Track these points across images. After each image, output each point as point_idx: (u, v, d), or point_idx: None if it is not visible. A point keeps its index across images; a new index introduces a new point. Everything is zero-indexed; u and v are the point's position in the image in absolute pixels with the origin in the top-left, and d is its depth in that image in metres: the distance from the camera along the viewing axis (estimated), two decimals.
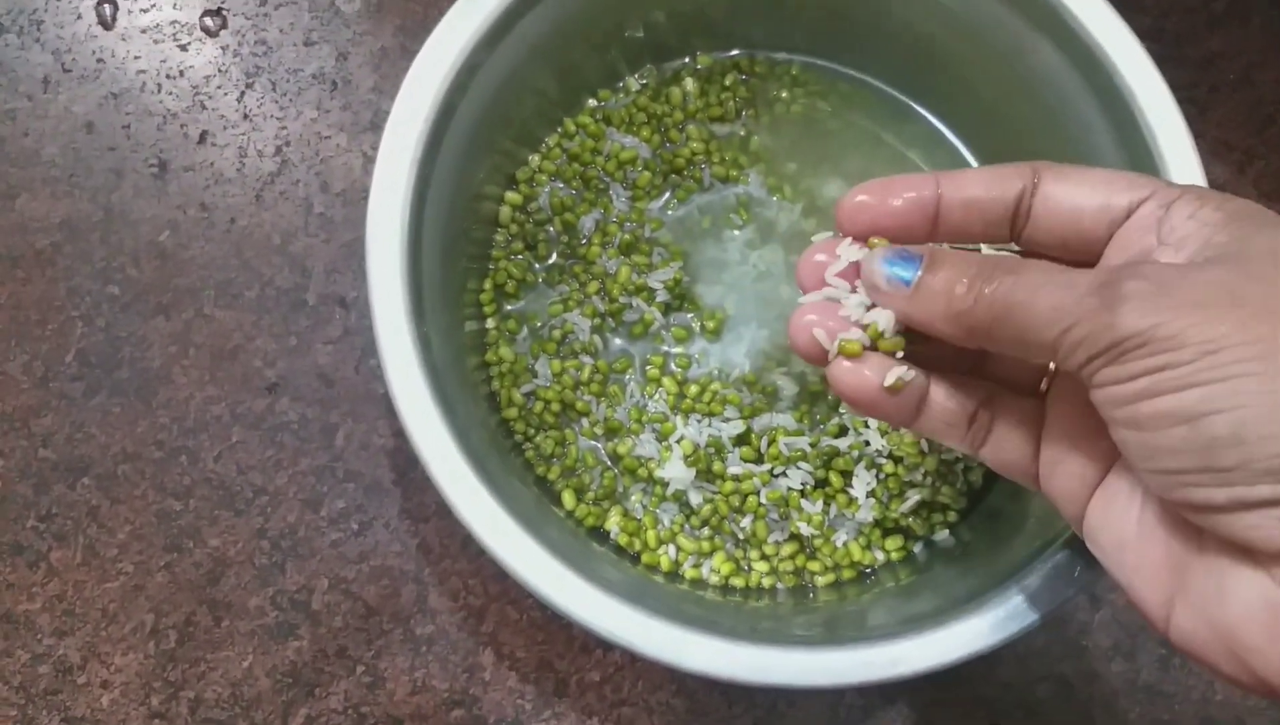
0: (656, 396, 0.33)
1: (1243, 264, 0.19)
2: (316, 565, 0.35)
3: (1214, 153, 0.39)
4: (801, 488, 0.31)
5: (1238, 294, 0.18)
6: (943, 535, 0.32)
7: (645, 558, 0.31)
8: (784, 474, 0.31)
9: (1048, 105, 0.31)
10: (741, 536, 0.32)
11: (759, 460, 0.32)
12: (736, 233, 0.35)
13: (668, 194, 0.35)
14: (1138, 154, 0.29)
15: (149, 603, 0.34)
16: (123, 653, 0.34)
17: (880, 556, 0.31)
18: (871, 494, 0.31)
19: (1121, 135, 0.29)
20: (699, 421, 0.33)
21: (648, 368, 0.33)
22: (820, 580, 0.31)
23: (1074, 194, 0.22)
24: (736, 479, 0.32)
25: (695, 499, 0.32)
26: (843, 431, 0.32)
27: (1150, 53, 0.29)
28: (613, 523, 0.32)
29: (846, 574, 0.31)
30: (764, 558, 0.32)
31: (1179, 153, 0.28)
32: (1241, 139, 0.39)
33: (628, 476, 0.32)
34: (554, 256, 0.34)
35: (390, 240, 0.28)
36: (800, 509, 0.31)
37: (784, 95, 0.36)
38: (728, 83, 0.36)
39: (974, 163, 0.36)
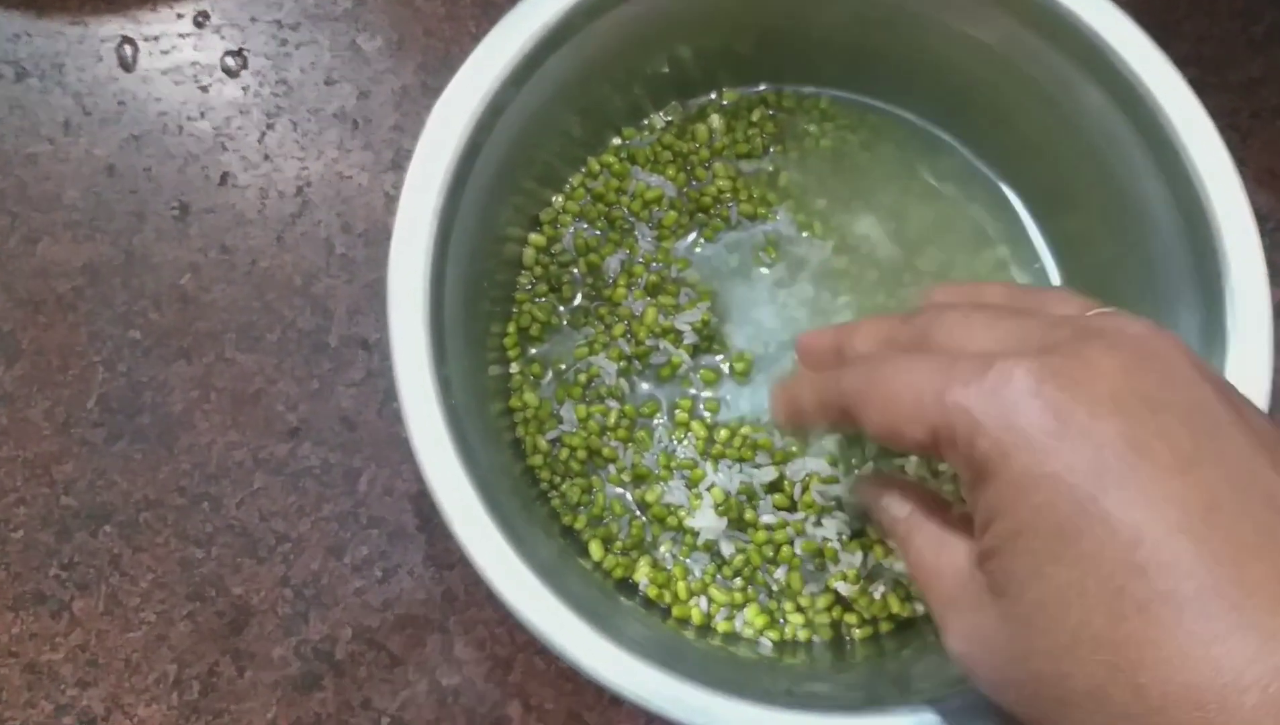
0: (685, 441, 0.32)
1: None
2: (340, 614, 0.34)
3: (1258, 181, 0.38)
4: (838, 537, 0.30)
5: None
6: None
7: (676, 610, 0.30)
8: (819, 523, 0.31)
9: (1088, 139, 0.30)
10: (775, 588, 0.31)
11: (792, 508, 0.31)
12: (765, 271, 0.34)
13: (695, 233, 0.34)
14: (1180, 187, 0.28)
15: (172, 653, 0.34)
16: (146, 703, 0.34)
17: (920, 609, 0.30)
18: None
19: (1163, 168, 0.29)
20: (729, 467, 0.32)
21: (676, 412, 0.33)
22: (858, 634, 0.30)
23: None
24: (769, 528, 0.31)
25: (727, 549, 0.31)
26: None
27: (1189, 79, 0.28)
28: (642, 574, 0.31)
29: (884, 627, 0.30)
30: (799, 609, 0.31)
31: (1223, 185, 0.27)
32: None
33: (656, 525, 0.32)
34: (579, 298, 0.33)
35: (412, 282, 0.27)
36: (837, 561, 0.30)
37: (812, 129, 0.35)
38: (754, 118, 0.35)
39: (1011, 197, 0.35)
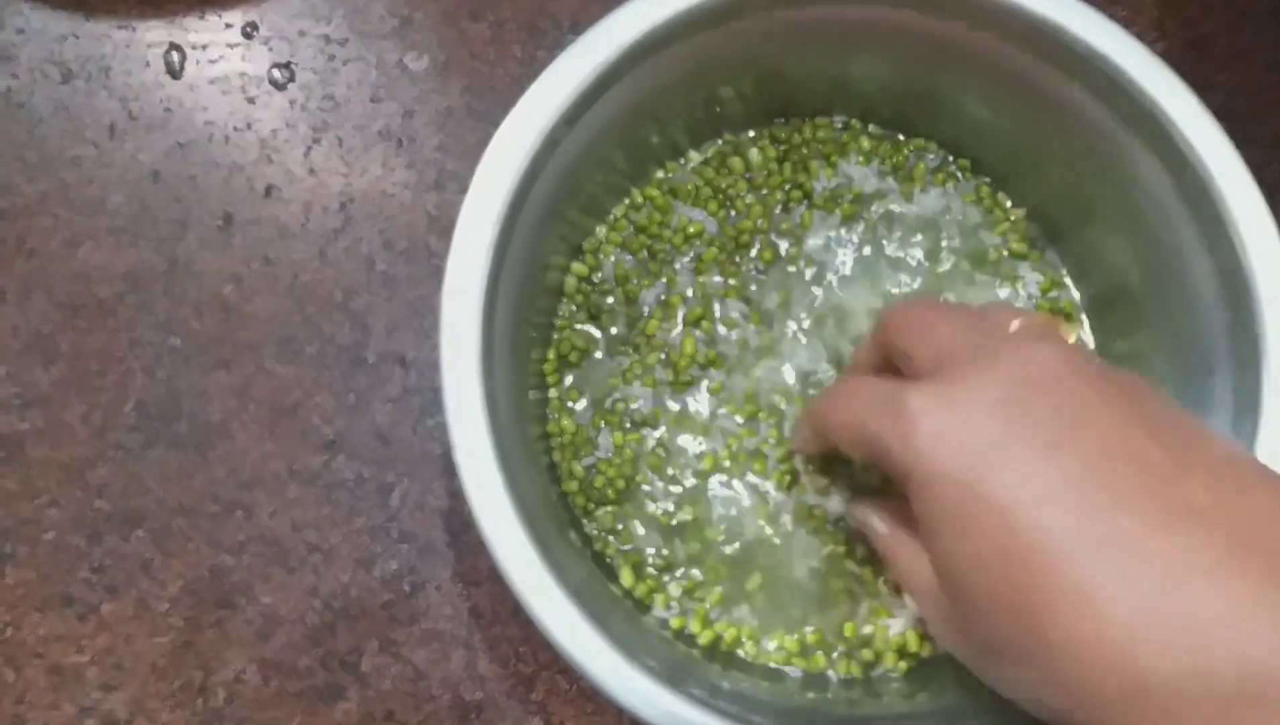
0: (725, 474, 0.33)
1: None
2: (367, 627, 0.34)
3: None
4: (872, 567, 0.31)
5: None
6: None
7: (704, 638, 0.31)
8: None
9: (1128, 196, 0.31)
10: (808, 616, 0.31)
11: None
12: (804, 314, 0.34)
13: (735, 266, 0.35)
14: (1219, 247, 0.29)
15: (198, 659, 0.34)
16: (170, 709, 0.34)
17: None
18: None
19: (1204, 229, 0.29)
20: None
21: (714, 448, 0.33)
22: (886, 667, 0.31)
23: None
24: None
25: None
26: None
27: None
28: (669, 603, 0.31)
29: (902, 666, 0.31)
30: (825, 638, 0.31)
31: (1264, 249, 0.28)
32: None
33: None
34: (616, 327, 0.34)
35: (467, 312, 0.28)
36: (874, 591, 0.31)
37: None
38: (797, 153, 0.36)
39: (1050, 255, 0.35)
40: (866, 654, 0.31)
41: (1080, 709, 0.20)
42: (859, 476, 0.32)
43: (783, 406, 0.33)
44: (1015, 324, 0.25)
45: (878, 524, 0.27)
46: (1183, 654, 0.18)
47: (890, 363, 0.27)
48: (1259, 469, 0.21)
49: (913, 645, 0.31)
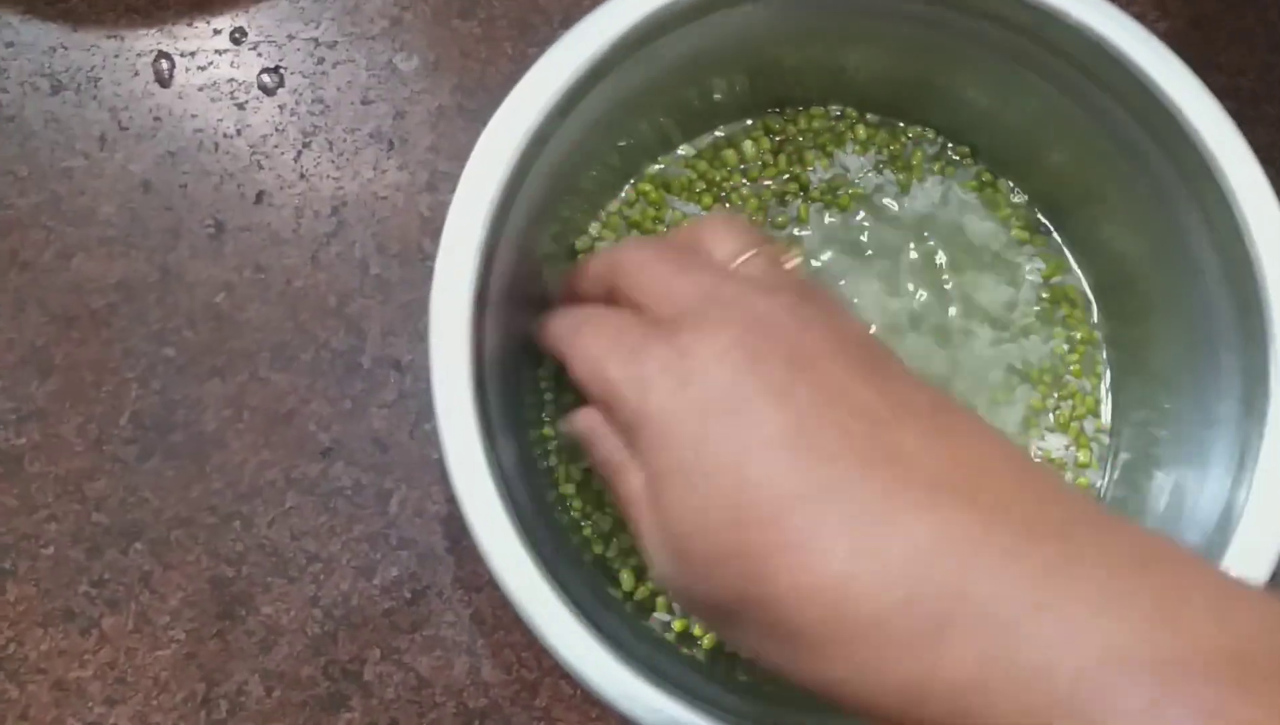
0: None
1: None
2: (369, 635, 0.34)
3: None
4: None
5: None
6: None
7: (706, 642, 0.30)
8: None
9: (1132, 179, 0.30)
10: None
11: None
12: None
13: None
14: (1224, 230, 0.28)
15: (201, 671, 0.34)
16: (174, 722, 0.34)
17: None
18: None
19: (1206, 211, 0.28)
20: None
21: None
22: None
23: None
24: None
25: None
26: None
27: (1227, 111, 0.28)
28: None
29: None
30: None
31: (1269, 230, 0.27)
32: None
33: None
34: None
35: (456, 317, 0.27)
36: None
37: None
38: (793, 144, 0.35)
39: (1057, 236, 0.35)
40: None
41: (800, 658, 0.19)
42: None
43: None
44: (740, 259, 0.25)
45: (599, 437, 0.25)
46: (888, 588, 0.18)
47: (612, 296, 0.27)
48: (968, 419, 0.22)
49: None
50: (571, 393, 0.33)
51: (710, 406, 0.21)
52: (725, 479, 0.20)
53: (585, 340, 0.25)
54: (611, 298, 0.27)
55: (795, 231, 0.34)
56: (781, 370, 0.21)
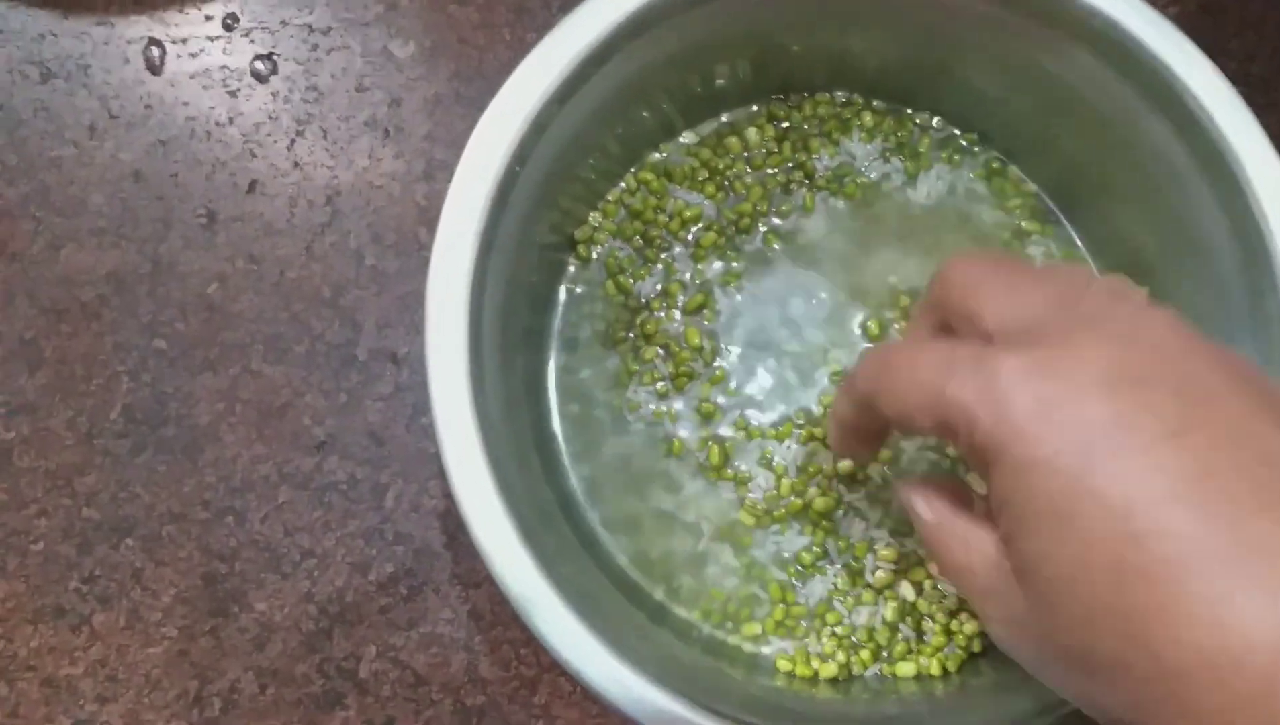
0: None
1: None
2: (364, 632, 0.34)
3: None
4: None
5: None
6: None
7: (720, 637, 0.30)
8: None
9: (1143, 164, 0.30)
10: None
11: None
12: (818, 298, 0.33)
13: (733, 250, 0.33)
14: (1238, 215, 0.27)
15: (193, 669, 0.33)
16: (166, 720, 0.33)
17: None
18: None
19: (1220, 196, 0.28)
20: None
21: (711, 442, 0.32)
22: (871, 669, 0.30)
23: None
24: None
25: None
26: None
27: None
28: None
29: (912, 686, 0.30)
30: (835, 637, 0.30)
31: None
32: None
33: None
34: (614, 321, 0.33)
35: (452, 311, 0.27)
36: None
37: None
38: (798, 131, 0.34)
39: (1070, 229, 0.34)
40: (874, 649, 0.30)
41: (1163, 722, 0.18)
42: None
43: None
44: (1094, 285, 0.22)
45: (924, 511, 0.24)
46: None
47: (946, 329, 0.24)
48: None
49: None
50: (572, 393, 0.32)
51: (1089, 442, 0.18)
52: (1108, 527, 0.18)
53: (901, 366, 0.22)
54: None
55: (800, 220, 0.34)
56: (1172, 403, 0.19)
